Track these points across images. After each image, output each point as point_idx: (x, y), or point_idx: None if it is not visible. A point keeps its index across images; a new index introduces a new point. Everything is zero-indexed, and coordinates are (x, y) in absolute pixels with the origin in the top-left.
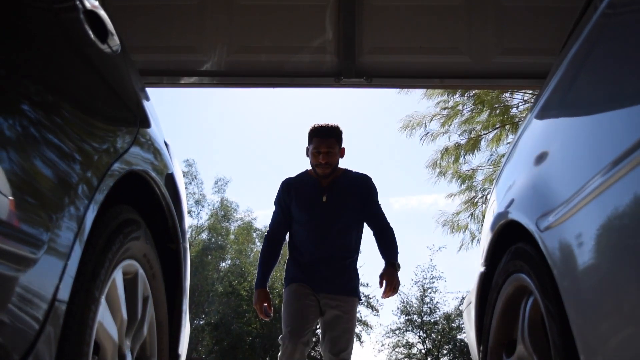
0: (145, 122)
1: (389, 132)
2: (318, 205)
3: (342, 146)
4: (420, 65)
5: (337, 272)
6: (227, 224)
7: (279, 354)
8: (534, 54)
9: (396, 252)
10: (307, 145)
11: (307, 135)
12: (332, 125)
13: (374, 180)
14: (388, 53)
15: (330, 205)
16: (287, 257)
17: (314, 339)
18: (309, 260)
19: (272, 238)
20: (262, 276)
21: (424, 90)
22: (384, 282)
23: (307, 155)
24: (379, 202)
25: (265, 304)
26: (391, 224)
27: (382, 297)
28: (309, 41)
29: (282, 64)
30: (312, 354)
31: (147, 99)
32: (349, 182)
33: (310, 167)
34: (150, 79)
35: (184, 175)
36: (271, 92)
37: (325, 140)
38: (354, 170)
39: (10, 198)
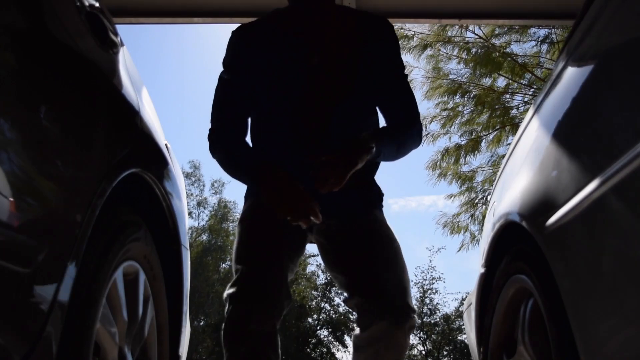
0: (145, 123)
1: None
2: (303, 72)
3: None
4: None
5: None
6: (226, 224)
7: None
8: None
9: (395, 141)
10: None
11: None
12: None
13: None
14: None
15: (326, 70)
16: None
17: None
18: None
19: (224, 137)
20: (249, 156)
21: (424, 91)
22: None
23: None
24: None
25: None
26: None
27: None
28: None
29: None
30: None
31: (147, 99)
32: (356, 25)
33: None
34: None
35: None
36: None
37: None
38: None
39: (11, 200)
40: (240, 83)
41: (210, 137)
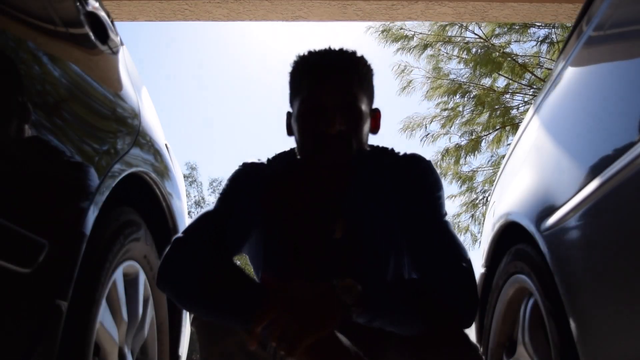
0: (145, 123)
1: (389, 133)
2: (324, 247)
3: (374, 106)
4: None
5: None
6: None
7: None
8: None
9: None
10: (291, 104)
11: (288, 83)
12: (347, 51)
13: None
14: None
15: (351, 244)
16: None
17: None
18: None
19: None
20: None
21: (424, 91)
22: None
23: (289, 132)
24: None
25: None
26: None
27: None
28: None
29: None
30: None
31: (147, 99)
32: (388, 176)
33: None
34: None
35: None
36: (261, 88)
37: (336, 80)
38: (394, 151)
39: (11, 199)
40: (238, 219)
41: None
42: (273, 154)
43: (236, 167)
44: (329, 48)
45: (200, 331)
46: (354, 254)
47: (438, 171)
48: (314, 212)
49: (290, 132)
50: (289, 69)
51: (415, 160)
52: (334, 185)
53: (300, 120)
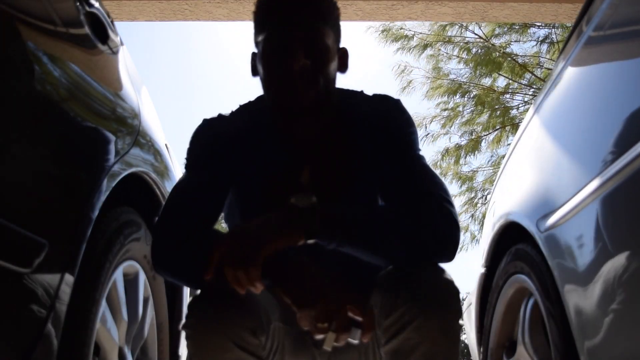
0: (145, 123)
1: None
2: (289, 192)
3: (341, 45)
4: None
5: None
6: (224, 224)
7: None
8: None
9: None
10: (255, 44)
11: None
12: None
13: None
14: None
15: (317, 192)
16: None
17: None
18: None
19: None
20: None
21: (424, 91)
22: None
23: (254, 73)
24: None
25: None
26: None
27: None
28: None
29: None
30: None
31: (147, 98)
32: (361, 125)
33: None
34: None
35: None
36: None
37: (300, 15)
38: (364, 93)
39: (11, 199)
40: (211, 185)
41: (163, 240)
42: (237, 106)
43: (196, 126)
44: None
45: (192, 343)
46: (321, 199)
47: (438, 171)
48: (281, 160)
49: (255, 73)
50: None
51: (384, 100)
52: (301, 129)
53: (264, 58)
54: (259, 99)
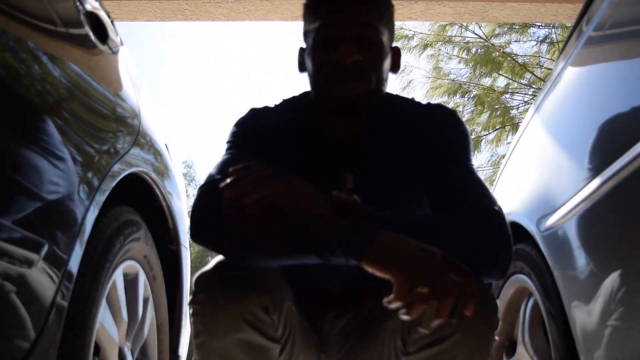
0: (145, 123)
1: None
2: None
3: (394, 44)
4: None
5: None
6: None
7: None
8: None
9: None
10: (305, 38)
11: (302, 16)
12: None
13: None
14: None
15: (364, 197)
16: None
17: None
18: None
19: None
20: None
21: (425, 91)
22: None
23: (302, 68)
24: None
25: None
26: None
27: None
28: None
29: None
30: None
31: (147, 98)
32: (412, 132)
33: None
34: None
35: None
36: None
37: (355, 9)
38: (414, 100)
39: (11, 199)
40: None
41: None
42: (281, 100)
43: (243, 114)
44: None
45: (200, 320)
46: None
47: None
48: (324, 162)
49: (302, 68)
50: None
51: (440, 109)
52: (346, 129)
53: (315, 51)
54: (303, 95)
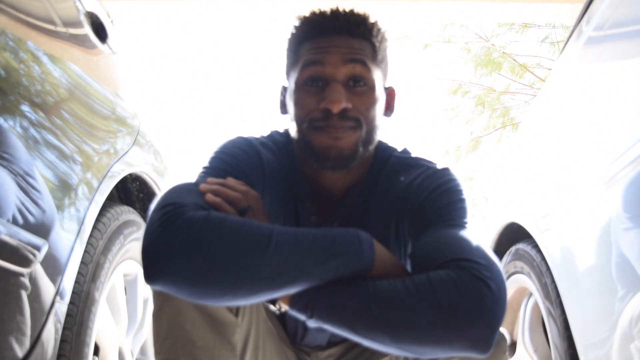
0: (145, 123)
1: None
2: None
3: (387, 85)
4: None
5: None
6: None
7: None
8: None
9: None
10: (287, 76)
11: (285, 51)
12: (359, 14)
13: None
14: None
15: None
16: None
17: None
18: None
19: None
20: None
21: (424, 91)
22: None
23: (283, 110)
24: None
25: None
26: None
27: None
28: None
29: None
30: None
31: (147, 99)
32: (400, 190)
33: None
34: None
35: None
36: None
37: (344, 46)
38: (408, 156)
39: (11, 199)
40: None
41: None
42: (268, 133)
43: (235, 136)
44: (337, 8)
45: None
46: None
47: None
48: (306, 214)
49: (284, 109)
50: (288, 34)
51: (431, 168)
52: (331, 182)
53: (297, 93)
54: (288, 134)
